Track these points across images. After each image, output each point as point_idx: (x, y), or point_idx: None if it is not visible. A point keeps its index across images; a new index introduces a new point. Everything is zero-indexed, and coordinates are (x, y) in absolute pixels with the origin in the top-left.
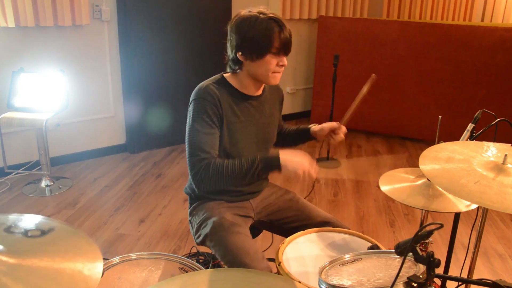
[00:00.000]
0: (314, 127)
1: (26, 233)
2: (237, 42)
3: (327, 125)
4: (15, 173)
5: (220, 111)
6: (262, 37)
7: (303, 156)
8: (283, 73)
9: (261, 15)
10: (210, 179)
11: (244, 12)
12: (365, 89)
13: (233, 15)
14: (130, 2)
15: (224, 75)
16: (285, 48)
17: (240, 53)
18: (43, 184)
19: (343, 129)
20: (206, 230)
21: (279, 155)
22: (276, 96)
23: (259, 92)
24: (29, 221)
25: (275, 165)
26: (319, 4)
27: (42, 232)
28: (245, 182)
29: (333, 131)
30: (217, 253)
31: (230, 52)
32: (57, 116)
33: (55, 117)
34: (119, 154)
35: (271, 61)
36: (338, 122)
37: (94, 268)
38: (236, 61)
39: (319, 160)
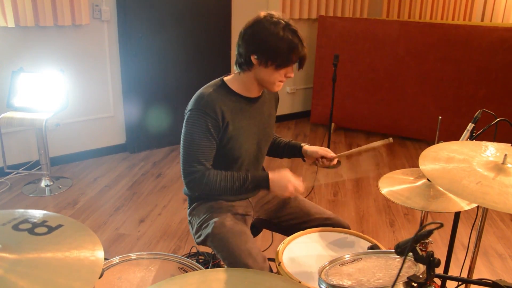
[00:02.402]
0: (307, 147)
1: (32, 230)
2: (255, 46)
3: (321, 151)
4: (15, 173)
5: (219, 122)
6: (285, 50)
7: (289, 175)
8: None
9: (286, 26)
10: (202, 189)
11: (265, 15)
12: (376, 144)
13: (233, 15)
14: (130, 2)
15: (224, 79)
16: (301, 64)
17: (255, 57)
18: (43, 184)
19: (334, 161)
20: (207, 230)
21: (268, 175)
22: (272, 96)
23: (259, 93)
24: (38, 217)
25: (264, 185)
26: (319, 4)
27: (50, 229)
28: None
29: (324, 157)
30: (219, 254)
31: (243, 52)
32: (57, 116)
33: (55, 117)
34: (119, 154)
35: (282, 72)
36: (332, 154)
37: (96, 255)
38: (247, 62)
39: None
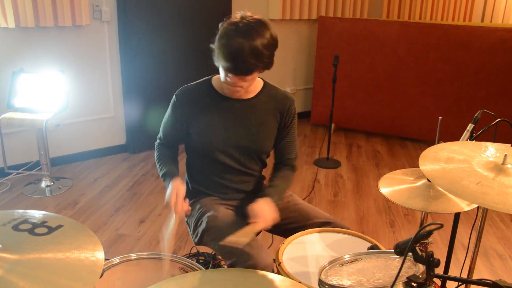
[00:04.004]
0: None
1: (32, 230)
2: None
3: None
4: (15, 173)
5: (187, 114)
6: (219, 46)
7: (178, 189)
8: (283, 73)
9: (240, 23)
10: (155, 156)
11: (241, 13)
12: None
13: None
14: (130, 2)
15: (214, 76)
16: (232, 68)
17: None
18: (43, 184)
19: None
20: (202, 226)
21: (172, 179)
22: (277, 106)
23: (247, 95)
24: (38, 217)
25: (166, 184)
26: (319, 5)
27: (50, 229)
28: None
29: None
30: (216, 246)
31: None
32: (57, 117)
33: (55, 118)
34: (119, 155)
35: (223, 72)
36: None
37: (96, 255)
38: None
39: (319, 160)
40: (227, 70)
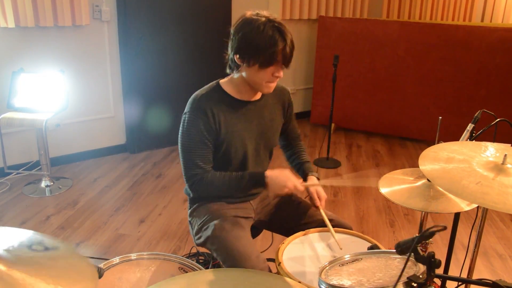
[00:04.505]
0: (308, 183)
1: (30, 246)
2: (238, 44)
3: (312, 195)
4: (15, 173)
5: (214, 125)
6: (264, 47)
7: (288, 173)
8: (283, 73)
9: (268, 22)
10: (204, 191)
11: (251, 14)
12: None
13: (233, 15)
14: (130, 2)
15: (221, 81)
16: (284, 62)
17: (238, 56)
18: (43, 184)
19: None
20: (207, 233)
21: (265, 173)
22: (279, 101)
23: (257, 96)
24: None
25: (261, 182)
26: (319, 4)
27: (46, 248)
28: (236, 195)
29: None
30: (219, 257)
31: (229, 52)
32: (57, 116)
33: (55, 117)
34: (119, 154)
35: (267, 71)
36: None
37: None
38: (233, 63)
39: (319, 160)
40: (280, 65)
